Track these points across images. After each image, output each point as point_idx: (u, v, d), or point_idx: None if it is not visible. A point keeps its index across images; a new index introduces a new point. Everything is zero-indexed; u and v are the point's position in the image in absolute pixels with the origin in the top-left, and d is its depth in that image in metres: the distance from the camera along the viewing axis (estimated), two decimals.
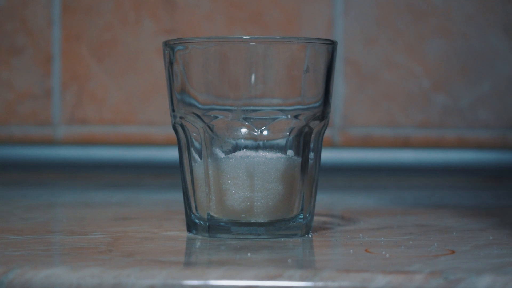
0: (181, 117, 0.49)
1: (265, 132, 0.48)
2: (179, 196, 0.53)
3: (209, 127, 0.48)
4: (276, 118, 0.48)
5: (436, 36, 0.94)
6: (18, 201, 0.70)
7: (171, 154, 0.90)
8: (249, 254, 0.44)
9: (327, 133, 0.90)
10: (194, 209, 0.50)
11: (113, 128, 0.96)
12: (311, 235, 0.50)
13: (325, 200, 0.70)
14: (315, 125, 0.49)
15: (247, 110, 0.48)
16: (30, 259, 0.42)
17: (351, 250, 0.45)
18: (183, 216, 0.52)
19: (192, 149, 0.49)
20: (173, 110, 0.50)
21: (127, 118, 0.96)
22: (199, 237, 0.49)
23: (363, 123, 0.95)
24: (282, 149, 0.49)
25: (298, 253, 0.45)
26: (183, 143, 0.50)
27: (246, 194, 0.48)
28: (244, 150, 0.48)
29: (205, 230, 0.49)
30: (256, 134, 0.48)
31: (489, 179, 0.92)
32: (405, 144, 0.95)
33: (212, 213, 0.49)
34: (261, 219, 0.48)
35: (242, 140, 0.48)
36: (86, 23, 0.96)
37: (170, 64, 0.50)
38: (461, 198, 0.75)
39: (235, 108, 0.48)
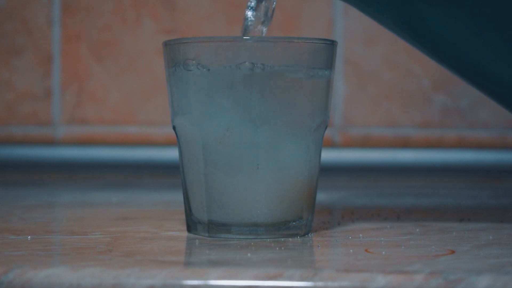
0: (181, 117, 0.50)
1: (266, 131, 0.48)
2: (179, 196, 0.53)
3: (209, 127, 0.48)
4: None
5: None
6: (18, 201, 0.70)
7: (171, 154, 0.90)
8: (249, 254, 0.44)
9: (327, 133, 0.90)
10: (194, 209, 0.50)
11: (113, 128, 0.96)
12: (311, 235, 0.50)
13: (325, 200, 0.70)
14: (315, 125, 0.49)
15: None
16: (30, 259, 0.42)
17: (351, 250, 0.45)
18: (183, 216, 0.52)
19: (192, 149, 0.49)
20: (173, 110, 0.50)
21: (127, 118, 0.96)
22: (199, 237, 0.49)
23: (363, 123, 0.95)
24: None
25: (298, 253, 0.45)
26: (183, 143, 0.50)
27: (246, 194, 0.48)
28: (244, 149, 0.48)
29: (205, 230, 0.49)
30: (257, 133, 0.48)
31: (489, 179, 0.92)
32: (405, 144, 0.95)
33: (212, 213, 0.49)
34: (261, 219, 0.48)
35: (243, 140, 0.48)
36: (86, 23, 0.96)
37: (170, 64, 0.50)
38: (461, 198, 0.75)
39: (235, 107, 0.48)
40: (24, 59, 0.96)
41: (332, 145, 0.95)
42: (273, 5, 0.51)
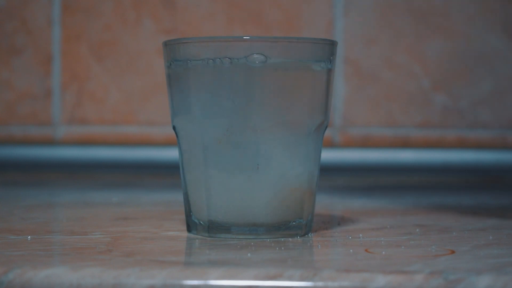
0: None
1: (265, 131, 0.48)
2: (179, 196, 0.53)
3: (209, 127, 0.48)
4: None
5: (436, 36, 0.94)
6: (18, 201, 0.70)
7: (171, 154, 0.90)
8: (249, 254, 0.44)
9: (327, 133, 0.90)
10: (194, 209, 0.50)
11: (113, 128, 0.96)
12: (311, 235, 0.50)
13: (325, 200, 0.70)
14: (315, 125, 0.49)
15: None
16: (30, 259, 0.42)
17: (351, 250, 0.45)
18: (183, 216, 0.52)
19: (192, 149, 0.49)
20: (173, 110, 0.50)
21: (127, 118, 0.96)
22: (199, 237, 0.49)
23: (363, 123, 0.95)
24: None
25: (298, 253, 0.45)
26: (183, 143, 0.50)
27: (246, 194, 0.48)
28: (244, 149, 0.48)
29: (205, 230, 0.49)
30: (257, 133, 0.48)
31: (489, 179, 0.92)
32: (405, 144, 0.95)
33: (212, 213, 0.49)
34: (261, 219, 0.48)
35: (243, 139, 0.48)
36: (86, 23, 0.96)
37: (170, 64, 0.50)
38: (461, 198, 0.75)
39: (235, 107, 0.48)
40: (24, 59, 0.96)
41: (332, 145, 0.95)
42: None
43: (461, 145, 0.94)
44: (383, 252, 0.45)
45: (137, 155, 0.93)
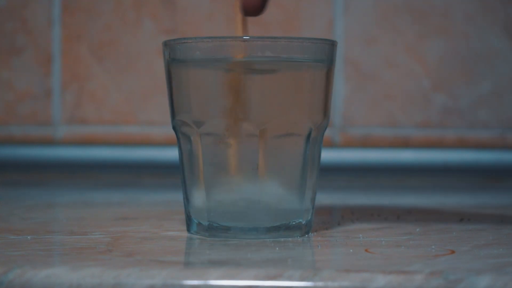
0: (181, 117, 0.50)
1: (265, 131, 0.48)
2: (179, 196, 0.53)
3: (209, 127, 0.48)
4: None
5: (436, 36, 0.94)
6: (18, 201, 0.70)
7: (171, 154, 0.90)
8: (249, 254, 0.44)
9: (327, 133, 0.90)
10: (194, 209, 0.50)
11: (113, 128, 0.96)
12: (311, 235, 0.50)
13: (325, 200, 0.70)
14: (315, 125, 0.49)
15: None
16: (30, 259, 0.42)
17: (351, 250, 0.45)
18: (183, 216, 0.52)
19: (192, 149, 0.49)
20: (173, 110, 0.50)
21: (127, 118, 0.96)
22: (199, 237, 0.49)
23: (363, 123, 0.95)
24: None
25: (298, 253, 0.45)
26: (183, 143, 0.50)
27: (245, 194, 0.48)
28: (244, 149, 0.48)
29: (205, 230, 0.49)
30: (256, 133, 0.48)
31: (489, 179, 0.92)
32: (405, 144, 0.95)
33: (212, 213, 0.49)
34: (261, 219, 0.48)
35: (243, 140, 0.48)
36: (86, 23, 0.96)
37: (169, 64, 0.50)
38: (461, 198, 0.75)
39: (235, 107, 0.48)
40: (24, 59, 0.96)
41: (332, 145, 0.95)
42: None
43: (461, 145, 0.94)
44: (383, 252, 0.45)
45: (137, 155, 0.93)
